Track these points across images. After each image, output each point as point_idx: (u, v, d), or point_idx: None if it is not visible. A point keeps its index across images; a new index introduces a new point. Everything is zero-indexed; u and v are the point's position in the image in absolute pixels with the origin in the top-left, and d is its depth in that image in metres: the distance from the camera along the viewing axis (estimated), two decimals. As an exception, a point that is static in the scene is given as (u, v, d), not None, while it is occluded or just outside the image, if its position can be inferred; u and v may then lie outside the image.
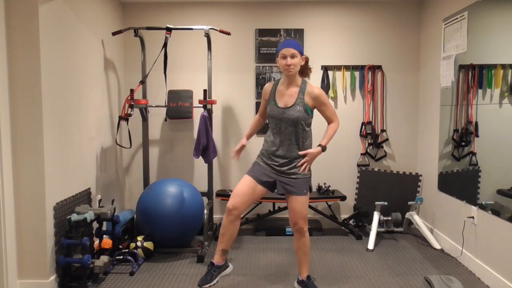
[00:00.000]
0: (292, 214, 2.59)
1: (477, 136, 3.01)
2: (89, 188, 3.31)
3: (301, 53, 2.53)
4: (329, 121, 2.66)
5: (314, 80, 4.15)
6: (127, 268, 3.11)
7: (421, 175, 4.05)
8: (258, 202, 3.99)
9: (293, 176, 2.56)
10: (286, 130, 2.55)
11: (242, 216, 2.68)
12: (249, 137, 2.86)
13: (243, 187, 2.58)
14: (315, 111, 2.62)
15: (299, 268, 2.70)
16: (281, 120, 2.54)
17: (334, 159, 4.21)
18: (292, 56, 2.48)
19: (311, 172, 2.64)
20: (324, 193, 3.97)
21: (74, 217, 2.79)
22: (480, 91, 2.98)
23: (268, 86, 2.69)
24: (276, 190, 2.63)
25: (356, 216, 4.06)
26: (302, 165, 2.55)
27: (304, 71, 2.63)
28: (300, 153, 2.55)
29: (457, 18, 3.30)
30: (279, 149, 2.57)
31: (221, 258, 2.64)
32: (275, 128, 2.59)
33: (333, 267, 3.15)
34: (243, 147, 2.79)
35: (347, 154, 4.21)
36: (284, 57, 2.49)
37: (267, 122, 2.70)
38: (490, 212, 2.84)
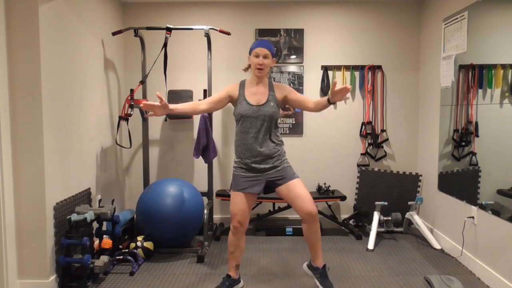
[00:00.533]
0: (299, 201, 2.52)
1: (477, 136, 3.01)
2: (89, 188, 3.31)
3: (273, 55, 2.58)
4: (307, 103, 2.59)
5: (314, 80, 4.15)
6: (127, 268, 3.11)
7: (421, 175, 4.05)
8: (258, 202, 3.99)
9: (278, 168, 2.58)
10: (262, 128, 2.55)
11: None
12: (175, 108, 2.47)
13: (239, 205, 2.58)
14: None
15: (312, 256, 2.69)
16: (257, 118, 2.54)
17: (334, 159, 4.21)
18: (265, 57, 2.54)
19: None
20: (324, 193, 3.97)
21: (74, 217, 2.79)
22: (480, 91, 2.98)
23: (234, 85, 2.66)
24: (269, 190, 2.64)
25: (356, 216, 4.06)
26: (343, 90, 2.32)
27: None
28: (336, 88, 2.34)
29: (457, 18, 3.30)
30: (256, 148, 2.55)
31: (236, 273, 2.73)
32: (251, 127, 2.55)
33: (333, 267, 3.15)
34: (164, 105, 2.37)
35: (347, 154, 4.21)
36: (257, 56, 2.54)
37: (239, 124, 2.59)
38: (490, 212, 2.84)
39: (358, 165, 4.20)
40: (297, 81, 4.15)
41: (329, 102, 2.46)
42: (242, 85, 2.66)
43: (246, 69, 2.74)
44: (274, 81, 2.71)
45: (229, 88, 2.67)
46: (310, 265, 2.76)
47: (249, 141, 2.56)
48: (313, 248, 2.66)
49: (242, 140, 2.59)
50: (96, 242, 3.18)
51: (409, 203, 3.85)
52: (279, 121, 2.82)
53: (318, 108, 2.57)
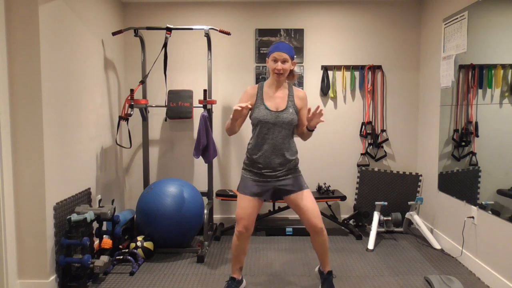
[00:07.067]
0: (305, 215, 2.50)
1: (477, 136, 3.01)
2: (89, 188, 3.32)
3: (292, 58, 2.51)
4: (300, 125, 2.61)
5: (314, 80, 4.15)
6: (127, 268, 3.11)
7: (421, 175, 4.05)
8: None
9: (289, 176, 2.55)
10: (279, 134, 2.49)
11: None
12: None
13: (246, 209, 2.52)
14: None
15: (320, 263, 2.70)
16: (275, 124, 2.48)
17: (334, 159, 4.21)
18: (284, 61, 2.45)
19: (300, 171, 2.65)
20: (324, 193, 3.97)
21: (74, 217, 2.79)
22: (480, 91, 2.98)
23: (252, 90, 2.57)
24: (277, 197, 2.60)
25: (356, 216, 4.06)
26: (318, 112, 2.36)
27: (289, 75, 2.59)
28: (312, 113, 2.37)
29: (457, 18, 3.30)
30: (271, 156, 2.50)
31: (239, 274, 2.71)
32: (267, 134, 2.49)
33: (333, 267, 3.15)
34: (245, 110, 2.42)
35: (347, 154, 4.22)
36: (275, 61, 2.45)
37: (256, 129, 2.54)
38: (490, 212, 2.85)
39: (358, 165, 4.20)
40: (297, 81, 4.15)
41: (308, 130, 2.50)
42: (260, 87, 2.57)
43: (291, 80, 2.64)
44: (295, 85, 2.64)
45: (246, 96, 2.54)
46: (319, 269, 2.78)
47: (264, 148, 2.50)
48: (320, 257, 2.67)
49: (258, 146, 2.52)
50: (96, 242, 3.18)
51: (409, 203, 3.85)
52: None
53: (301, 136, 2.61)
